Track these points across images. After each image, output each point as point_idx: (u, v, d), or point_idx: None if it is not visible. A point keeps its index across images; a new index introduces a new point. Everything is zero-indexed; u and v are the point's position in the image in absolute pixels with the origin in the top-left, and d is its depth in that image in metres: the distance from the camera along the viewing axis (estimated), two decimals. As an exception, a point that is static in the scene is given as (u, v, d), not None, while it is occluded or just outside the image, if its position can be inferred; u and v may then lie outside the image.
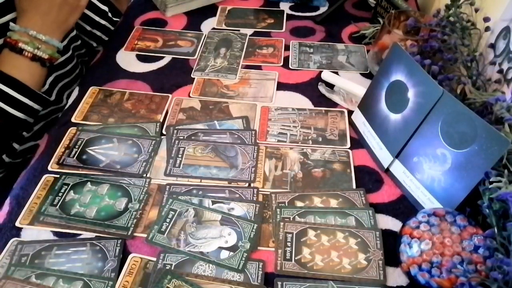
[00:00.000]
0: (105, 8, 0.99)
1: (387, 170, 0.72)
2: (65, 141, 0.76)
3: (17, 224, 0.64)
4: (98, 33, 0.99)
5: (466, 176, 0.60)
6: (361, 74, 0.91)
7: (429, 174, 0.65)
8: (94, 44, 1.01)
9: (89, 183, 0.69)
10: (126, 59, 0.94)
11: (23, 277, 0.58)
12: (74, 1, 0.80)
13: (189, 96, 0.85)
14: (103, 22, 0.99)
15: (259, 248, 0.62)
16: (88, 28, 0.97)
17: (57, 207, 0.66)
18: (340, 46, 0.98)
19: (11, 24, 0.76)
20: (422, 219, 0.60)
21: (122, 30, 1.02)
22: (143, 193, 0.68)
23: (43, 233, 0.63)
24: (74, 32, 0.94)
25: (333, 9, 1.06)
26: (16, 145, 0.88)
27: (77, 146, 0.74)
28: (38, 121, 0.89)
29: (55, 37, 0.79)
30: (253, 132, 0.78)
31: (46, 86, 0.87)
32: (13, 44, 0.75)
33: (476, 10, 0.74)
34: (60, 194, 0.67)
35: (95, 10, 0.97)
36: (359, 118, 0.78)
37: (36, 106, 0.79)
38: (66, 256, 0.60)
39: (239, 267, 0.59)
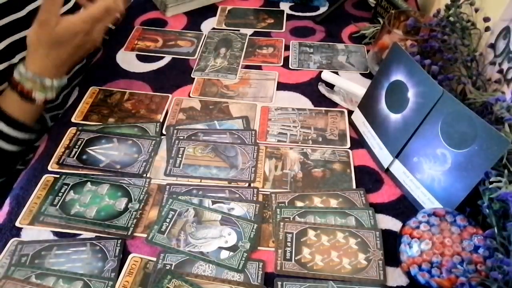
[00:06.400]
0: None
1: (387, 170, 0.72)
2: (65, 141, 0.76)
3: (17, 224, 0.64)
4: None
5: (466, 176, 0.60)
6: (361, 74, 0.91)
7: (429, 174, 0.65)
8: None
9: (89, 183, 0.69)
10: (126, 59, 0.94)
11: (23, 277, 0.58)
12: (93, 47, 0.78)
13: (189, 96, 0.85)
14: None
15: (259, 248, 0.62)
16: None
17: (57, 207, 0.66)
18: (340, 46, 0.98)
19: (23, 70, 0.71)
20: (422, 219, 0.60)
21: (122, 30, 1.02)
22: (143, 193, 0.68)
23: (43, 233, 0.63)
24: None
25: (333, 9, 1.05)
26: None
27: (77, 146, 0.74)
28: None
29: (64, 77, 0.77)
30: (253, 132, 0.78)
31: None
32: (25, 93, 0.72)
33: (476, 10, 0.74)
34: (60, 194, 0.67)
35: None
36: (359, 118, 0.78)
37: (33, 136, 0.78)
38: (66, 256, 0.60)
39: (239, 267, 0.59)
